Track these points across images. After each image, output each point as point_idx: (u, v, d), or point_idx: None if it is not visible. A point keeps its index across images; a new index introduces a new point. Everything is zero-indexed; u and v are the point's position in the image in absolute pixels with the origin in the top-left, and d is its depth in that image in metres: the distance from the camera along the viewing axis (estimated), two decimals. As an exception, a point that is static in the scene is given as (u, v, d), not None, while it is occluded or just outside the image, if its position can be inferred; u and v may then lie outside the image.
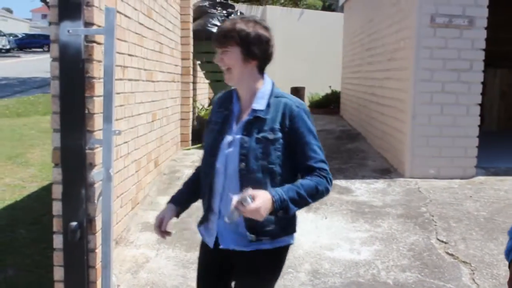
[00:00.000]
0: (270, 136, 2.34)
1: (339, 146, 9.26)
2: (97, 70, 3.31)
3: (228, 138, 2.41)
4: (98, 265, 3.52)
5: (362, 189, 6.48)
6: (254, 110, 2.39)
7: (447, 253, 4.70)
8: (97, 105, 3.34)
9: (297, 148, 2.38)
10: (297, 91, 17.18)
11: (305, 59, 16.68)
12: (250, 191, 2.16)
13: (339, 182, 6.66)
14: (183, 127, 8.56)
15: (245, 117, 2.41)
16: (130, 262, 4.47)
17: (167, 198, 6.10)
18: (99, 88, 3.33)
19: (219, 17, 9.18)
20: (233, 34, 2.35)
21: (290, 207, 2.27)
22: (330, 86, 15.48)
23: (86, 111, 3.30)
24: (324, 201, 6.05)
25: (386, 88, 8.42)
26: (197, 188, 2.60)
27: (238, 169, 2.35)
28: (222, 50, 2.39)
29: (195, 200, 2.66)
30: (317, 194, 2.35)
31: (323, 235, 5.11)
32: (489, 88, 9.27)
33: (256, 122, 2.37)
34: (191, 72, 8.72)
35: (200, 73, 9.84)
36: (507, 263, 4.65)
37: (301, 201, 2.32)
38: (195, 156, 8.18)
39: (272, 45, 2.43)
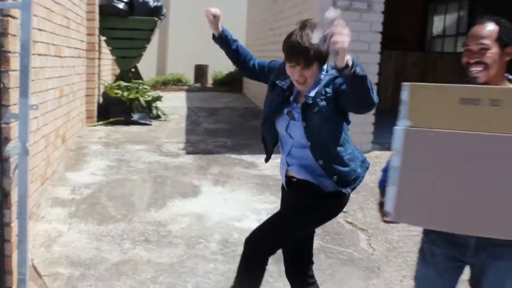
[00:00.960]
0: (315, 109, 2.67)
1: (243, 123, 9.53)
2: (12, 45, 3.30)
3: (288, 109, 2.79)
4: (14, 239, 3.54)
5: (267, 163, 6.75)
6: (307, 97, 2.70)
7: (347, 221, 5.08)
8: (12, 80, 3.33)
9: (343, 92, 2.56)
10: (201, 69, 17.22)
11: (210, 37, 16.73)
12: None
13: (244, 157, 6.92)
14: (88, 103, 8.46)
15: (301, 99, 2.75)
16: (43, 236, 4.49)
17: (75, 173, 6.11)
18: (14, 63, 3.32)
19: (125, -7, 9.08)
20: (314, 53, 2.58)
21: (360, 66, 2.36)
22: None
23: (1, 86, 3.29)
24: (230, 175, 6.28)
25: (289, 67, 8.69)
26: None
27: (304, 137, 2.73)
28: (303, 67, 2.61)
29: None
30: (370, 85, 2.39)
31: (231, 207, 5.34)
32: (384, 68, 9.79)
33: (308, 106, 2.68)
34: (97, 48, 8.62)
35: (104, 49, 9.71)
36: (400, 229, 5.09)
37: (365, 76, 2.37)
38: (101, 132, 8.14)
39: None
